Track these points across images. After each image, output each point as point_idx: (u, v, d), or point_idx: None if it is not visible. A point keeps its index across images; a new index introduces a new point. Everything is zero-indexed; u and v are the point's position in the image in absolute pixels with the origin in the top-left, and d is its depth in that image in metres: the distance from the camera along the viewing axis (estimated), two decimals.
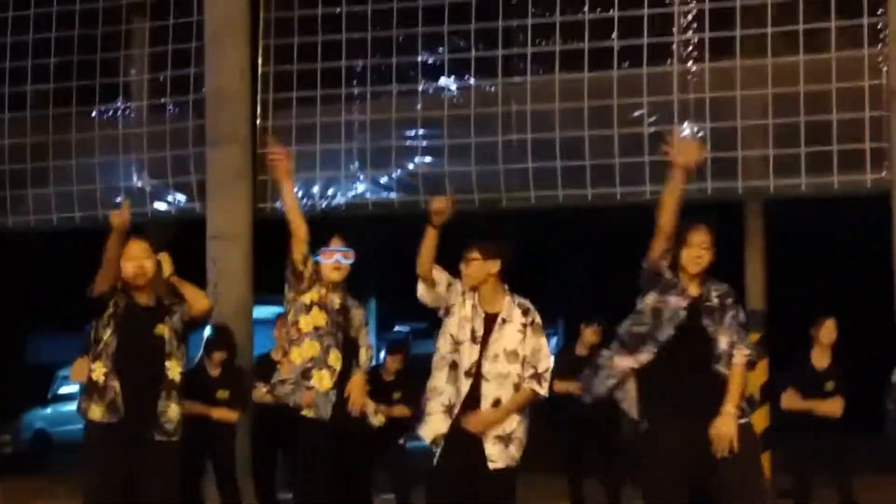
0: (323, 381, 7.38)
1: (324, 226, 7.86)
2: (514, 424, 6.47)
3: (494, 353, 6.46)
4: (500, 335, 6.47)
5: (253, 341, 12.37)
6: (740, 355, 6.17)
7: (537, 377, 6.48)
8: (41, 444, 24.28)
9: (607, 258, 24.33)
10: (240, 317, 12.33)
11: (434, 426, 6.55)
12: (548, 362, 6.55)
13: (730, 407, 6.03)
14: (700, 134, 11.91)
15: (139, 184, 13.38)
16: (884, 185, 11.56)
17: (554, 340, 31.83)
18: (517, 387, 6.44)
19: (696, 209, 6.72)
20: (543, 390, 6.53)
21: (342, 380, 7.44)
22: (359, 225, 20.88)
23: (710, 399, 6.08)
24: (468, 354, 6.47)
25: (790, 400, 9.90)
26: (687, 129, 11.97)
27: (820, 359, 9.99)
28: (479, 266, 6.51)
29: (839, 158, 11.64)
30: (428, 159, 12.75)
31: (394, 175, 12.88)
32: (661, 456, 6.06)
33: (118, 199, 13.18)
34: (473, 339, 6.45)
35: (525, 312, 6.54)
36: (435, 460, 6.55)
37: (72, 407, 7.82)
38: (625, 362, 6.17)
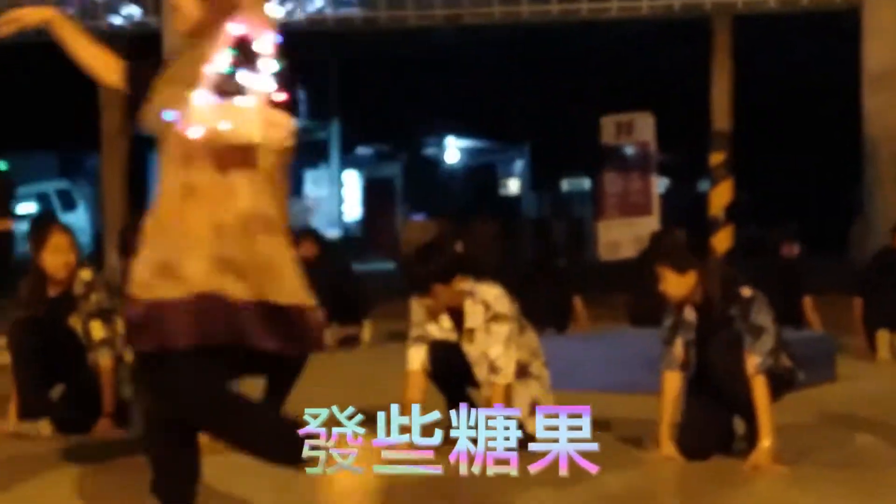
0: None
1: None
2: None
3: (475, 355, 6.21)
4: (471, 346, 6.16)
5: None
6: (751, 365, 5.39)
7: (493, 369, 6.19)
8: None
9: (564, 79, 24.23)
10: None
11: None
12: (498, 348, 6.19)
13: (765, 441, 5.28)
14: None
15: None
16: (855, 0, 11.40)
17: (520, 163, 31.57)
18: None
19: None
20: (502, 378, 6.21)
21: None
22: (319, 42, 20.68)
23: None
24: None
25: None
26: None
27: None
28: (441, 296, 6.13)
29: None
30: None
31: None
32: None
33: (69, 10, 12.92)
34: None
35: (486, 308, 6.21)
36: None
37: None
38: None
